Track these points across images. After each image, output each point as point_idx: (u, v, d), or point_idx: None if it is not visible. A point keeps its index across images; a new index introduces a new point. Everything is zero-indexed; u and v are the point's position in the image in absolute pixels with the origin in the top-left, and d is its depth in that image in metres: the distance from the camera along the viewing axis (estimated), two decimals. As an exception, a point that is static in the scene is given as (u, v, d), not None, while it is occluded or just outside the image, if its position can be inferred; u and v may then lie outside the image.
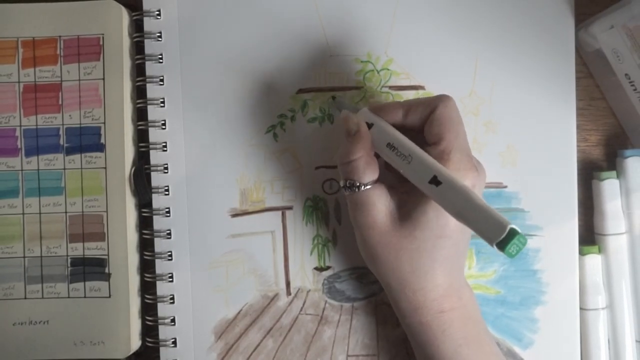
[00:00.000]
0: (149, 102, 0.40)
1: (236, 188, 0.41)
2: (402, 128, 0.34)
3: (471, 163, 0.33)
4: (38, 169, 0.40)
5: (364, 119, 0.34)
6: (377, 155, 0.34)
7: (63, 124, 0.40)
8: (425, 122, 0.34)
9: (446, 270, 0.33)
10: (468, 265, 0.40)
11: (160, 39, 0.41)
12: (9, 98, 0.40)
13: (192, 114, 0.41)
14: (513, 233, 0.27)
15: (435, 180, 0.30)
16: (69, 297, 0.40)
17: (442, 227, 0.32)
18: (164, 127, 0.41)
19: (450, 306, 0.33)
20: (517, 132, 0.40)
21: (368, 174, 0.33)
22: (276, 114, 0.41)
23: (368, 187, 0.33)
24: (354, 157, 0.33)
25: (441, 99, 0.33)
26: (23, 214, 0.40)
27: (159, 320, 0.40)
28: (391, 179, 0.35)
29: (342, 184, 0.34)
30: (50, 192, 0.40)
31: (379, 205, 0.33)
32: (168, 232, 0.41)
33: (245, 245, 0.41)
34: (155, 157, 0.41)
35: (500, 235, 0.27)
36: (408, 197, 0.33)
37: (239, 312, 0.41)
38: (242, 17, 0.40)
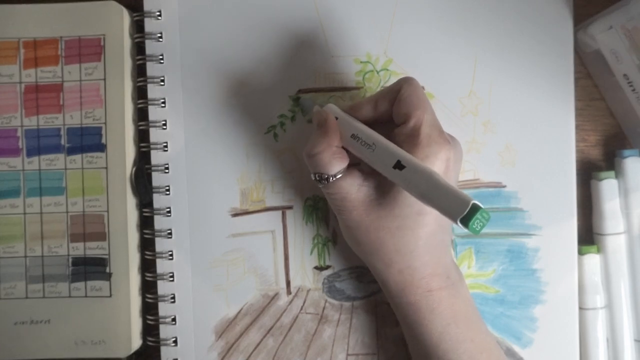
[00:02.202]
0: (149, 102, 0.41)
1: (237, 188, 0.41)
2: (375, 122, 0.34)
3: (443, 136, 0.33)
4: (39, 169, 0.40)
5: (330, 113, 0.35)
6: None
7: (64, 124, 0.40)
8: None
9: (431, 247, 0.33)
10: (467, 265, 0.40)
11: (161, 40, 0.41)
12: (10, 98, 0.41)
13: (192, 114, 0.41)
14: (475, 208, 0.27)
15: (399, 165, 0.30)
16: (70, 297, 0.40)
17: (421, 203, 0.32)
18: (164, 127, 0.41)
19: (438, 285, 0.34)
20: (516, 132, 0.40)
21: (334, 165, 0.33)
22: (276, 114, 0.41)
23: (338, 176, 0.33)
24: (318, 150, 0.33)
25: (404, 80, 0.34)
26: (24, 213, 0.40)
27: (160, 320, 0.41)
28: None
29: (312, 177, 0.34)
30: (51, 192, 0.40)
31: (352, 191, 0.34)
32: (169, 231, 0.41)
33: (245, 245, 0.41)
34: (156, 157, 0.41)
35: (463, 212, 0.27)
36: (385, 177, 0.33)
37: (239, 311, 0.41)
38: (242, 18, 0.41)
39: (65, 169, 0.40)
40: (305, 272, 0.41)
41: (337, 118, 0.35)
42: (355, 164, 0.35)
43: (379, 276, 0.35)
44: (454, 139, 0.35)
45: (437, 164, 0.32)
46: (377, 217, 0.33)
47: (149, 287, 0.41)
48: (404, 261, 0.33)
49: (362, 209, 0.34)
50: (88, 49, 0.40)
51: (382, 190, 0.34)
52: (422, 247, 0.33)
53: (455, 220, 0.28)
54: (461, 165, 0.35)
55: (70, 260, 0.40)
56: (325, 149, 0.33)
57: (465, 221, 0.27)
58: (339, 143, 0.34)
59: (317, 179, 0.34)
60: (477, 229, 0.27)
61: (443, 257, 0.34)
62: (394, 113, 0.34)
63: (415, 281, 0.33)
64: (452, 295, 0.34)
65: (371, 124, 0.34)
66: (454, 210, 0.28)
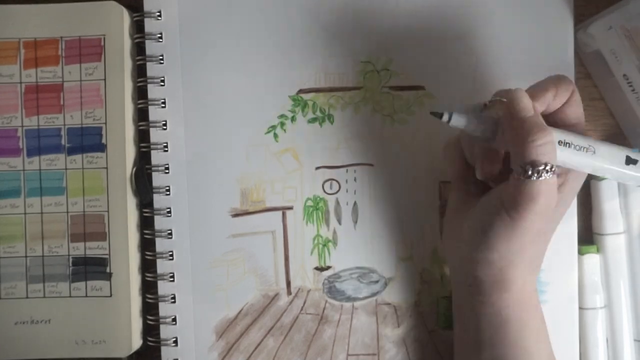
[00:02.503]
0: (150, 102, 0.41)
1: (237, 188, 0.41)
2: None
3: None
4: (40, 169, 0.41)
5: None
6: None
7: (64, 125, 0.40)
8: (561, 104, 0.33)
9: (543, 256, 0.35)
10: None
11: (161, 40, 0.41)
12: (10, 98, 0.41)
13: (192, 114, 0.41)
14: None
15: (630, 160, 0.30)
16: (70, 297, 0.40)
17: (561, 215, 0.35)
18: (164, 127, 0.41)
19: (532, 287, 0.34)
20: (516, 132, 0.40)
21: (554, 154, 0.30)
22: (276, 115, 0.41)
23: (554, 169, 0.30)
24: (547, 140, 0.29)
25: (571, 81, 0.34)
26: (25, 213, 0.41)
27: (160, 320, 0.41)
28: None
29: (523, 171, 0.30)
30: (51, 192, 0.40)
31: (554, 192, 0.30)
32: (169, 232, 0.41)
33: (245, 245, 0.41)
34: (156, 157, 0.41)
35: None
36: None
37: (239, 312, 0.41)
38: (242, 18, 0.41)
39: (66, 169, 0.40)
40: (306, 273, 0.41)
41: None
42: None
43: (494, 277, 0.33)
44: None
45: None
46: (551, 220, 0.34)
47: (149, 287, 0.41)
48: (531, 269, 0.34)
49: (550, 214, 0.31)
50: (88, 49, 0.40)
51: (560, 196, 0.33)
52: (542, 256, 0.35)
53: None
54: None
55: (71, 260, 0.40)
56: (550, 139, 0.30)
57: None
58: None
59: (543, 168, 0.29)
60: None
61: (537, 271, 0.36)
62: (566, 111, 0.33)
63: (525, 296, 0.34)
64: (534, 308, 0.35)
65: None
66: None
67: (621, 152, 0.30)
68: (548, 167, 0.29)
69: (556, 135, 0.31)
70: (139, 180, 0.40)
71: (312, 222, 0.41)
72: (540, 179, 0.29)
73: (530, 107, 0.31)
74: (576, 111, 0.33)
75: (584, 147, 0.31)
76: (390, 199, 0.40)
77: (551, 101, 0.33)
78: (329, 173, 0.41)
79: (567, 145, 0.31)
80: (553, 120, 0.33)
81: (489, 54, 0.40)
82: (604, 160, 0.31)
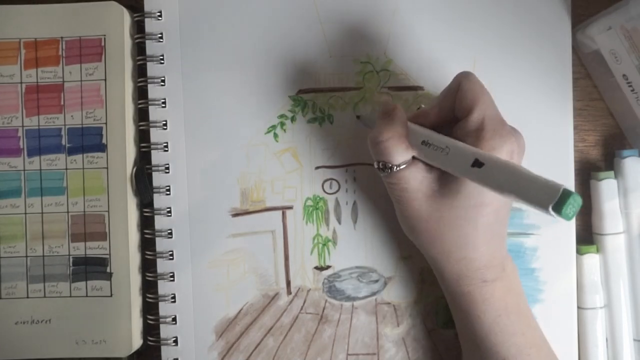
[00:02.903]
0: (150, 102, 0.41)
1: (237, 188, 0.41)
2: (437, 127, 0.34)
3: (506, 128, 0.32)
4: (40, 169, 0.41)
5: None
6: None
7: (65, 125, 0.41)
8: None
9: (488, 239, 0.33)
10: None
11: (161, 40, 0.41)
12: (11, 99, 0.41)
13: (193, 114, 0.41)
14: (567, 194, 0.26)
15: (477, 163, 0.30)
16: (70, 297, 0.40)
17: (482, 195, 0.32)
18: (165, 127, 0.41)
19: (493, 276, 0.34)
20: (516, 132, 0.40)
21: (399, 154, 0.33)
22: (276, 115, 0.41)
23: (402, 167, 0.33)
24: (384, 138, 0.33)
25: (462, 75, 0.33)
26: (25, 213, 0.41)
27: (161, 319, 0.41)
28: None
29: (375, 165, 0.34)
30: (52, 192, 0.41)
31: (414, 182, 0.33)
32: (169, 231, 0.41)
33: (246, 245, 0.41)
34: (157, 157, 0.41)
35: (554, 199, 0.26)
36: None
37: (239, 311, 0.41)
38: (242, 19, 0.41)
39: (66, 169, 0.41)
40: (306, 272, 0.41)
41: None
42: None
43: (435, 265, 0.35)
44: (517, 131, 0.34)
45: (502, 156, 0.31)
46: (437, 209, 0.33)
47: (149, 286, 0.42)
48: (461, 252, 0.33)
49: (422, 200, 0.33)
50: (89, 50, 0.40)
51: (443, 182, 0.33)
52: (479, 238, 0.33)
53: (547, 209, 0.27)
54: (523, 157, 0.35)
55: (71, 260, 0.41)
56: (393, 137, 0.33)
57: (558, 208, 0.26)
58: (406, 132, 0.33)
59: (380, 167, 0.34)
60: (570, 215, 0.26)
61: (499, 249, 0.34)
62: (456, 108, 0.34)
63: (470, 272, 0.34)
64: (505, 287, 0.34)
65: (433, 128, 0.34)
66: (544, 199, 0.27)
67: (470, 155, 0.30)
68: (389, 165, 0.33)
69: (420, 135, 0.33)
70: (139, 180, 0.40)
71: (312, 221, 0.41)
72: (382, 174, 0.34)
73: (386, 112, 0.34)
74: (463, 105, 0.33)
75: (440, 148, 0.32)
76: (390, 198, 0.40)
77: (436, 116, 0.35)
78: (329, 173, 0.41)
79: (428, 145, 0.32)
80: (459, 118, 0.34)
81: (487, 54, 0.40)
82: (453, 160, 0.31)
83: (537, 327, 0.35)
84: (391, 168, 0.33)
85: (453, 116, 0.34)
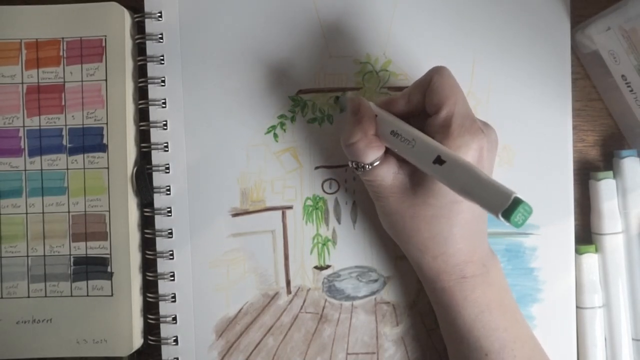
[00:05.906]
0: (150, 102, 0.41)
1: (237, 188, 0.41)
2: (409, 116, 0.35)
3: (476, 125, 0.32)
4: (41, 169, 0.41)
5: None
6: None
7: (66, 125, 0.41)
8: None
9: (466, 235, 0.33)
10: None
11: (161, 41, 0.41)
12: (12, 99, 0.41)
13: (193, 114, 0.41)
14: (517, 202, 0.27)
15: (439, 160, 0.30)
16: (71, 296, 0.41)
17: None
18: (165, 127, 0.41)
19: (472, 272, 0.34)
20: (514, 132, 0.40)
21: (370, 154, 0.33)
22: (276, 115, 0.41)
23: (375, 164, 0.34)
24: (354, 140, 0.33)
25: (435, 70, 0.34)
26: (26, 213, 0.41)
27: (161, 319, 0.41)
28: None
29: (349, 165, 0.35)
30: (53, 192, 0.41)
31: (388, 179, 0.34)
32: (169, 231, 0.41)
33: (245, 245, 0.41)
34: (157, 157, 0.41)
35: (504, 205, 0.27)
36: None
37: (239, 311, 0.41)
38: (242, 19, 0.41)
39: (67, 169, 0.41)
40: (305, 272, 0.41)
41: (376, 115, 0.34)
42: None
43: (414, 262, 0.36)
44: (488, 127, 0.34)
45: (470, 153, 0.32)
46: (412, 205, 0.34)
47: (150, 286, 0.42)
48: (438, 248, 0.34)
49: (398, 196, 0.34)
50: (89, 50, 0.40)
51: (417, 178, 0.34)
52: (456, 234, 0.33)
53: (496, 214, 0.27)
54: (496, 153, 0.35)
55: (72, 259, 0.41)
56: (362, 139, 0.33)
57: (507, 215, 0.27)
58: (374, 131, 0.34)
59: (354, 166, 0.34)
60: (519, 223, 0.27)
61: (479, 245, 0.35)
62: (426, 104, 0.34)
63: (449, 268, 0.34)
64: (486, 283, 0.34)
65: (405, 118, 0.34)
66: (495, 204, 0.27)
67: (434, 151, 0.30)
68: (361, 164, 0.34)
69: (390, 124, 0.33)
70: (140, 180, 0.40)
71: (312, 221, 0.41)
72: (357, 173, 0.35)
73: (353, 112, 0.34)
74: (432, 101, 0.33)
75: (407, 140, 0.32)
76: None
77: (405, 105, 0.35)
78: (329, 173, 0.41)
79: (396, 135, 0.33)
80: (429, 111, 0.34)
81: (486, 54, 0.40)
82: (418, 155, 0.32)
83: (523, 323, 0.35)
84: (364, 167, 0.34)
85: (423, 109, 0.34)
